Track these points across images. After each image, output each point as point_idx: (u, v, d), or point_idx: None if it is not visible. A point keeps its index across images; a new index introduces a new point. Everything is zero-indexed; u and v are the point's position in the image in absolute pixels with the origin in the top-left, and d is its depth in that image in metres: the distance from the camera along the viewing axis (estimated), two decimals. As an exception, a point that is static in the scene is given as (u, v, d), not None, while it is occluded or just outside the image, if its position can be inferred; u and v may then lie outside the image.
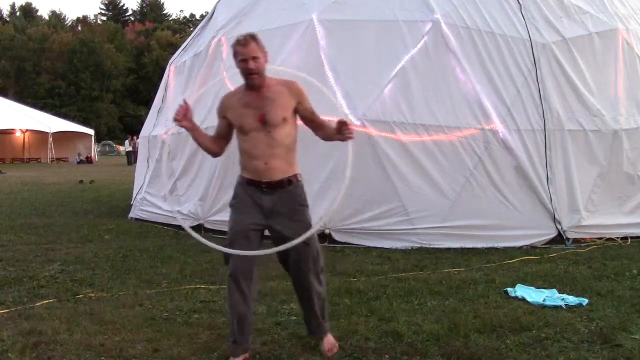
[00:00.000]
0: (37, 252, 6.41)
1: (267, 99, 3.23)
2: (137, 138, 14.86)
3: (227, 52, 7.78)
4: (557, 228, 6.60)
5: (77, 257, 6.14)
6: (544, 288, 4.66)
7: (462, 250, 6.23)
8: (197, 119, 6.95)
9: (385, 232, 6.51)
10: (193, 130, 3.29)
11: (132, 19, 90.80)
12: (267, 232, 3.38)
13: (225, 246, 3.20)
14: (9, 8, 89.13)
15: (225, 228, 3.47)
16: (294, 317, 3.99)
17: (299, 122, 3.40)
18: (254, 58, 3.18)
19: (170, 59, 9.76)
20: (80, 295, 4.63)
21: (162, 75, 9.73)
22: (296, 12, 7.44)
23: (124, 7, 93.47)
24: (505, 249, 6.29)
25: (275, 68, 3.87)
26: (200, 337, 3.68)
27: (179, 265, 5.69)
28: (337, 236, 6.58)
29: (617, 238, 6.78)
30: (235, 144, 3.42)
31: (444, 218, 6.49)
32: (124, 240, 7.20)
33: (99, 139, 49.90)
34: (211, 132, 3.51)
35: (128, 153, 32.13)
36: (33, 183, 17.52)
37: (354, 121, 6.53)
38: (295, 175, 3.32)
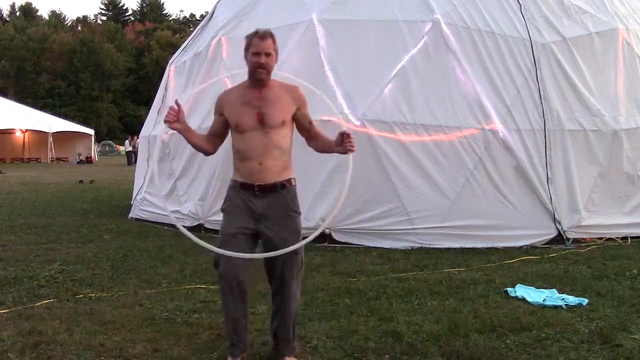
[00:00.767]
0: (37, 252, 6.41)
1: (267, 99, 3.20)
2: (137, 138, 14.89)
3: (227, 52, 7.79)
4: (557, 228, 6.61)
5: (77, 257, 6.14)
6: (544, 288, 4.67)
7: (462, 250, 6.24)
8: (197, 119, 7.11)
9: (385, 232, 6.51)
10: (185, 131, 3.24)
11: (132, 19, 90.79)
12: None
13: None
14: (9, 8, 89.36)
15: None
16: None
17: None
18: (267, 54, 3.16)
19: (170, 59, 9.74)
20: (80, 295, 4.63)
21: (162, 75, 9.72)
22: (296, 12, 7.44)
23: (124, 7, 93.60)
24: (505, 249, 6.30)
25: (280, 74, 3.84)
26: (200, 337, 3.68)
27: (179, 265, 5.70)
28: (337, 236, 6.58)
29: (617, 238, 6.79)
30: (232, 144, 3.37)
31: (444, 218, 6.50)
32: (124, 240, 7.20)
33: (99, 139, 49.91)
34: None
35: (128, 153, 32.14)
36: (33, 183, 17.49)
37: (354, 121, 6.54)
38: (289, 180, 3.25)
